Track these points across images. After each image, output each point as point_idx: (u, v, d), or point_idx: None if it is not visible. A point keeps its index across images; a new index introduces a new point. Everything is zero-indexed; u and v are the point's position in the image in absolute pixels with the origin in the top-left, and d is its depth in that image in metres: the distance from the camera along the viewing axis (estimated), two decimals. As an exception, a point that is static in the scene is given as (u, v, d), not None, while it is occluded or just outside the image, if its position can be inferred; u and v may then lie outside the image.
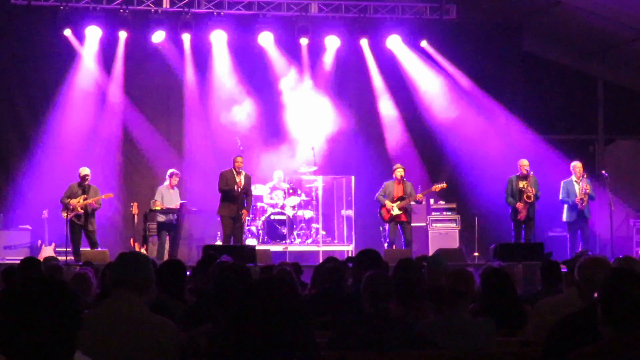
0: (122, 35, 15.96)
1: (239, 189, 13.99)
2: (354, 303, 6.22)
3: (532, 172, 14.28)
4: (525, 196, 14.09)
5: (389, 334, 4.88)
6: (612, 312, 3.03)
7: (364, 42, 16.77)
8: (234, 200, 13.96)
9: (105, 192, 14.31)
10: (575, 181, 14.42)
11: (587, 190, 14.25)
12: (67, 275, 8.88)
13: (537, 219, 14.41)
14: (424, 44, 16.82)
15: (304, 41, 16.62)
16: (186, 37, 16.27)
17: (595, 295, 3.17)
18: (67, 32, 15.70)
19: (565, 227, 14.91)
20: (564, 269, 6.83)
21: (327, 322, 5.91)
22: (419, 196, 14.65)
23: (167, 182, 14.81)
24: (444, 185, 14.90)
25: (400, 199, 14.33)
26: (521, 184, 14.21)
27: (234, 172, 14.09)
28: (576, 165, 14.55)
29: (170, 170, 14.94)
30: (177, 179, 14.86)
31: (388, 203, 14.30)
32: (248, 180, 14.26)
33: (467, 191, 16.72)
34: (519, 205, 14.14)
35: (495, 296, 6.03)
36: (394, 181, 14.48)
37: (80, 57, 16.06)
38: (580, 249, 13.55)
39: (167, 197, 14.71)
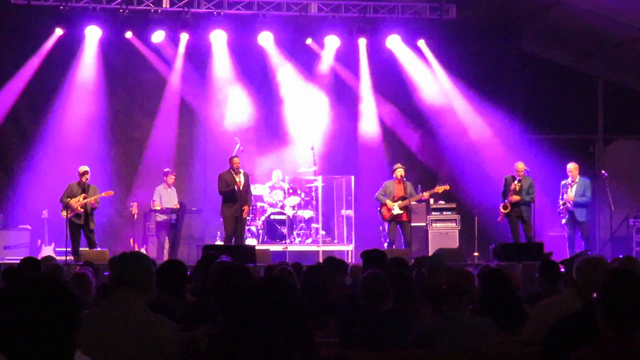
0: (128, 35, 15.96)
1: (240, 189, 13.97)
2: (352, 302, 6.24)
3: (520, 178, 14.21)
4: (502, 206, 14.13)
5: (385, 328, 4.91)
6: (611, 312, 3.02)
7: (361, 42, 16.77)
8: (236, 200, 13.94)
9: (104, 191, 14.31)
10: (570, 184, 14.46)
11: (569, 198, 14.28)
12: (67, 275, 8.88)
13: (537, 219, 14.40)
14: (421, 43, 16.79)
15: (303, 41, 16.62)
16: (186, 37, 16.27)
17: (595, 295, 3.17)
18: (59, 32, 15.67)
19: (564, 227, 14.93)
20: (563, 269, 6.83)
21: (322, 322, 5.93)
22: (426, 194, 14.65)
23: (163, 182, 14.82)
24: (447, 187, 14.90)
25: (402, 198, 14.33)
26: (513, 185, 14.23)
27: (232, 173, 14.09)
28: (569, 167, 14.62)
29: (165, 170, 14.95)
30: (173, 177, 14.87)
31: (389, 202, 14.29)
32: (247, 179, 14.24)
33: (467, 191, 16.72)
34: (501, 207, 14.21)
35: (493, 296, 6.04)
36: (394, 181, 14.48)
37: (81, 56, 16.06)
38: (581, 249, 13.56)
39: (165, 196, 14.71)
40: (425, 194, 14.71)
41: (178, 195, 15.14)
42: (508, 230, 14.65)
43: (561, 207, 14.48)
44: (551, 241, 15.11)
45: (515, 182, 14.16)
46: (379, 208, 14.53)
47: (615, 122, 18.36)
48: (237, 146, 15.10)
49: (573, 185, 14.43)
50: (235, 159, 14.18)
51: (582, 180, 14.53)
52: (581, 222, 14.40)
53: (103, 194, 14.09)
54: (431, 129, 17.13)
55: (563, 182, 14.62)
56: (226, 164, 14.39)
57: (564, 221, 14.57)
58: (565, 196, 14.44)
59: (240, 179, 14.03)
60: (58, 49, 15.91)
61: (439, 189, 14.76)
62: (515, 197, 14.06)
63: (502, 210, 14.18)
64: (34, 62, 15.85)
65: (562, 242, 15.04)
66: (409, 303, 5.97)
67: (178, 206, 14.79)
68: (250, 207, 14.61)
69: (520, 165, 14.28)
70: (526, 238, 14.17)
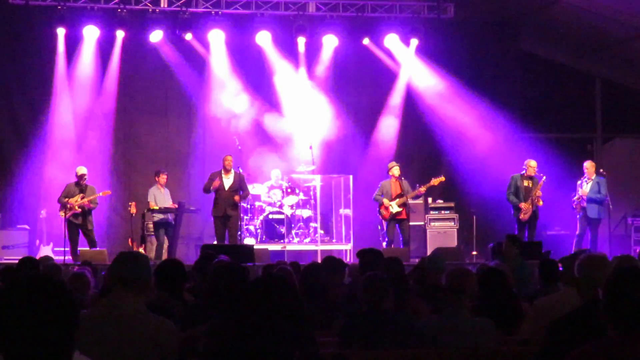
0: (120, 34, 15.94)
1: (227, 189, 13.97)
2: (352, 301, 6.25)
3: (533, 175, 14.23)
4: (535, 200, 14.06)
5: (385, 328, 4.91)
6: (616, 311, 3.01)
7: (364, 41, 16.75)
8: (222, 200, 13.98)
9: (102, 191, 14.30)
10: (586, 181, 14.48)
11: (583, 193, 14.28)
12: (65, 275, 8.87)
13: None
14: (415, 42, 16.71)
15: (301, 40, 16.62)
16: (184, 37, 16.26)
17: (600, 293, 3.15)
18: (61, 32, 15.66)
19: (563, 226, 14.93)
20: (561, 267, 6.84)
21: (323, 321, 5.93)
22: (422, 188, 14.59)
23: (155, 183, 14.77)
24: (442, 178, 14.84)
25: (399, 196, 14.32)
26: (526, 183, 14.20)
27: (223, 172, 14.09)
28: (585, 165, 14.65)
29: (156, 170, 14.89)
30: (165, 177, 14.80)
31: (386, 201, 14.30)
32: (238, 179, 14.19)
33: (465, 190, 16.72)
34: (525, 205, 14.11)
35: (491, 294, 6.04)
36: (390, 180, 14.48)
37: (79, 56, 16.05)
38: (587, 248, 13.56)
39: (160, 197, 14.68)
40: (422, 189, 14.66)
41: (176, 195, 15.12)
42: (506, 229, 14.63)
43: (575, 204, 14.43)
44: (549, 240, 15.12)
45: (530, 181, 14.14)
46: (378, 208, 14.53)
47: (614, 121, 18.38)
48: (236, 145, 15.13)
49: (588, 182, 14.44)
50: (227, 158, 14.16)
51: (597, 178, 14.53)
52: (592, 219, 14.37)
53: (100, 194, 14.10)
54: (429, 127, 17.12)
55: (579, 182, 14.63)
56: (225, 163, 14.40)
57: (579, 217, 14.56)
58: (580, 191, 14.41)
59: (230, 179, 14.03)
60: (58, 48, 15.90)
61: (435, 181, 14.70)
62: (540, 192, 14.07)
63: (535, 203, 14.09)
64: (32, 61, 15.88)
65: (560, 241, 15.04)
66: (405, 302, 5.98)
67: (175, 206, 14.77)
68: (243, 198, 14.41)
69: (533, 163, 14.26)
70: (530, 237, 14.16)
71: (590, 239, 14.31)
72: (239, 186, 14.18)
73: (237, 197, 14.12)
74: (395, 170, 14.43)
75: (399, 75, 17.14)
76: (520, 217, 14.17)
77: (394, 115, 17.21)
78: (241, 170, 14.49)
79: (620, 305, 2.98)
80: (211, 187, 14.10)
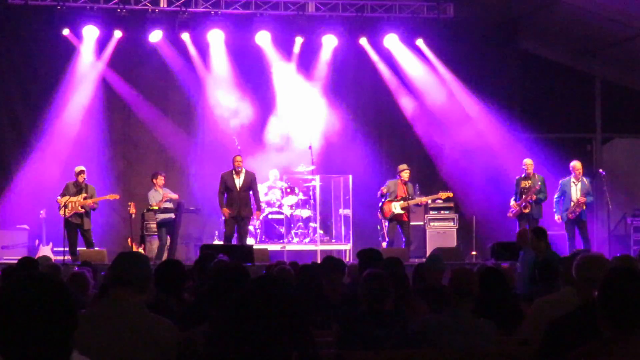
0: (119, 34, 15.94)
1: (238, 189, 13.93)
2: (351, 301, 6.25)
3: (536, 174, 14.21)
4: (522, 202, 14.05)
5: (385, 328, 4.91)
6: (611, 311, 3.01)
7: (363, 41, 16.77)
8: (235, 201, 13.90)
9: (102, 191, 14.29)
10: (574, 182, 14.38)
11: (581, 202, 14.13)
12: (65, 275, 8.87)
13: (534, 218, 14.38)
14: (420, 42, 16.81)
15: (301, 40, 16.63)
16: (183, 37, 16.28)
17: (595, 293, 3.15)
18: (66, 32, 15.69)
19: (561, 226, 14.90)
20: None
21: (321, 321, 5.94)
22: (424, 199, 14.74)
23: (153, 185, 14.71)
24: (450, 194, 14.96)
25: (404, 199, 14.35)
26: (524, 184, 14.20)
27: (233, 173, 14.05)
28: (574, 165, 14.48)
29: (153, 173, 14.82)
30: (162, 178, 14.70)
31: (394, 205, 14.35)
32: (249, 178, 14.13)
33: (465, 190, 16.72)
34: (514, 204, 14.14)
35: (491, 295, 6.04)
36: (398, 180, 14.50)
37: (78, 56, 16.07)
38: (580, 248, 13.53)
39: (158, 198, 14.64)
40: (424, 199, 14.82)
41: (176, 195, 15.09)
42: (505, 229, 14.63)
43: (573, 207, 14.25)
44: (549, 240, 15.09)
45: (528, 181, 14.13)
46: (380, 204, 14.53)
47: (613, 121, 18.36)
48: (236, 145, 15.14)
49: (577, 184, 14.33)
50: (237, 158, 14.09)
51: (585, 179, 14.43)
52: (582, 220, 14.33)
53: (108, 197, 14.05)
54: (429, 127, 17.12)
55: (564, 181, 14.54)
56: (224, 163, 14.37)
57: (557, 217, 14.45)
58: (573, 197, 14.21)
59: (240, 179, 13.99)
60: (57, 48, 15.91)
61: (442, 195, 14.83)
62: (533, 196, 14.04)
63: (517, 208, 14.09)
64: (32, 61, 15.90)
65: (559, 241, 15.02)
66: (405, 302, 5.97)
67: (177, 196, 14.67)
68: (260, 209, 14.42)
69: (528, 161, 14.24)
70: None
71: (583, 241, 14.24)
72: (250, 186, 14.11)
73: (257, 214, 14.15)
74: (405, 174, 14.48)
75: (398, 75, 17.12)
76: (509, 215, 14.25)
77: (394, 114, 17.21)
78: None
79: (614, 306, 2.99)
80: (234, 188, 14.06)
